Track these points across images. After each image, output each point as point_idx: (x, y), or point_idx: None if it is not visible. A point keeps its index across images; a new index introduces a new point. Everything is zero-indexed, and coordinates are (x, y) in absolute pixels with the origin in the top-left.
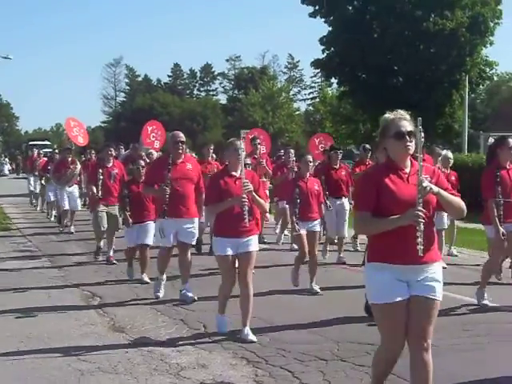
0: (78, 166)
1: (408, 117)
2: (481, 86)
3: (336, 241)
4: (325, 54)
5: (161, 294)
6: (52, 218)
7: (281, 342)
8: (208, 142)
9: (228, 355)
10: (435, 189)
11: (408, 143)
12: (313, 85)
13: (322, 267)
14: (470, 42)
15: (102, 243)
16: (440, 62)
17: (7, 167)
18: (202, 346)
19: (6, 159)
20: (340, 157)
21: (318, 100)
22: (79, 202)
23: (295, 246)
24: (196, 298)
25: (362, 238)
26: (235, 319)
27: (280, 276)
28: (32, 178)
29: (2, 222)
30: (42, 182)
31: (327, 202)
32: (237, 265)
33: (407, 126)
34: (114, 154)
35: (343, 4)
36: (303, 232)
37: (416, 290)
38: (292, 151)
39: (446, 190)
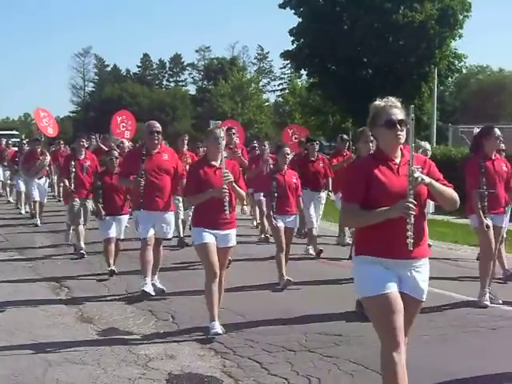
0: (48, 157)
1: (399, 104)
2: (450, 79)
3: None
4: (294, 46)
5: (147, 289)
6: (23, 212)
7: (249, 333)
8: (182, 133)
9: (196, 346)
10: (427, 179)
11: (399, 132)
12: (282, 76)
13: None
14: (439, 34)
15: (82, 243)
16: (409, 54)
17: None
18: (170, 336)
19: None
20: (317, 148)
21: (287, 91)
22: (46, 195)
23: (266, 238)
24: (164, 288)
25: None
26: (203, 311)
27: (249, 268)
28: (0, 169)
29: None
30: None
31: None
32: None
33: (398, 114)
34: (86, 146)
35: None
36: (281, 225)
37: (406, 288)
38: (267, 143)
39: (438, 180)
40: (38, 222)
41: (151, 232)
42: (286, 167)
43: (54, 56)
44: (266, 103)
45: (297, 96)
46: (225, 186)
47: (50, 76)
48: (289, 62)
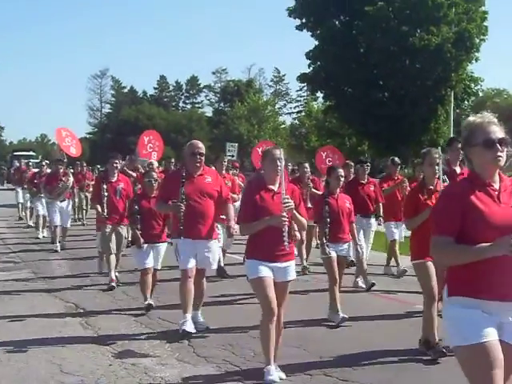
0: (71, 179)
1: (496, 121)
2: (466, 102)
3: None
4: (311, 69)
5: (188, 327)
6: (40, 236)
7: (263, 356)
8: (220, 155)
9: (212, 369)
10: None
11: (499, 153)
12: (298, 99)
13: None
14: (456, 57)
15: (113, 272)
16: (425, 77)
17: None
18: (186, 359)
19: None
20: (368, 170)
21: (303, 114)
22: (70, 218)
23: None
24: (208, 325)
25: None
26: (219, 334)
27: None
28: (20, 190)
29: None
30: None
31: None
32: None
33: (497, 131)
34: (119, 167)
35: (330, 18)
36: (334, 255)
37: (507, 336)
38: (307, 165)
39: None
40: (58, 248)
41: (192, 263)
42: (338, 190)
43: (71, 77)
44: (282, 125)
45: (313, 118)
46: (284, 214)
47: (67, 97)
48: (305, 84)
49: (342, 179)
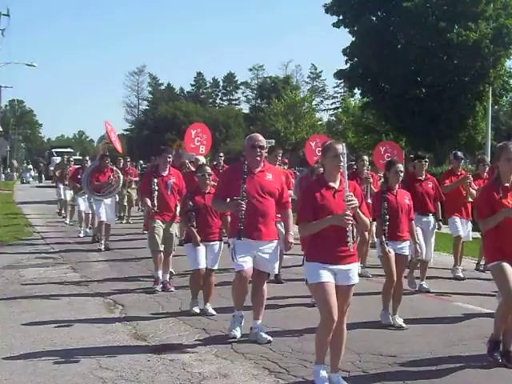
0: (121, 177)
1: None
2: (504, 98)
3: (418, 265)
4: (348, 65)
5: (238, 334)
6: (81, 234)
7: (303, 353)
8: (276, 147)
9: (250, 365)
10: None
11: None
12: (335, 95)
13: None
14: (494, 53)
15: (160, 272)
16: (463, 73)
17: (30, 174)
18: (224, 355)
19: (30, 166)
20: (426, 166)
21: (340, 110)
22: (114, 216)
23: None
24: (271, 338)
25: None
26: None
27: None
28: (62, 187)
29: (25, 228)
30: (71, 191)
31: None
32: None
33: None
34: (171, 162)
35: (367, 15)
36: (393, 253)
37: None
38: (366, 158)
39: None
40: (102, 247)
41: (250, 264)
42: (397, 186)
43: (108, 74)
44: (319, 122)
45: (350, 115)
46: (348, 212)
47: (104, 94)
48: (342, 81)
49: (402, 174)
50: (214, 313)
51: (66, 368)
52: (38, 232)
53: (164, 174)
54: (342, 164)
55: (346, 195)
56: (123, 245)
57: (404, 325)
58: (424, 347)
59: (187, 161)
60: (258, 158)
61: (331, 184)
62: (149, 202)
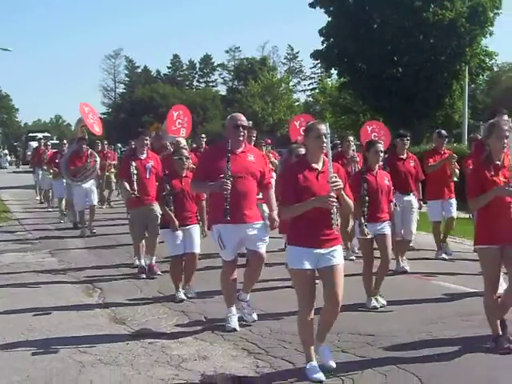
0: (98, 160)
1: None
2: (481, 77)
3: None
4: (324, 45)
5: (236, 326)
6: (62, 220)
7: (282, 333)
8: (251, 129)
9: (229, 346)
10: None
11: None
12: (312, 76)
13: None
14: (470, 32)
15: (143, 261)
16: (439, 52)
17: (7, 159)
18: (203, 337)
19: (6, 151)
20: (408, 145)
21: (317, 91)
22: (96, 196)
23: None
24: (256, 318)
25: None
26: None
27: (277, 267)
28: (40, 172)
29: (2, 213)
30: (50, 176)
31: (393, 200)
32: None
33: None
34: (148, 144)
35: None
36: (371, 235)
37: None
38: (351, 138)
39: None
40: (87, 232)
41: (236, 252)
42: (377, 167)
43: (84, 58)
44: (297, 103)
45: (327, 95)
46: (332, 194)
47: (80, 78)
48: (319, 61)
49: (382, 154)
50: (194, 295)
51: (44, 353)
52: (17, 217)
53: (142, 158)
54: (325, 145)
55: (329, 176)
56: (103, 230)
57: (385, 302)
58: (402, 326)
59: (168, 143)
60: (241, 138)
61: (314, 165)
62: (127, 186)
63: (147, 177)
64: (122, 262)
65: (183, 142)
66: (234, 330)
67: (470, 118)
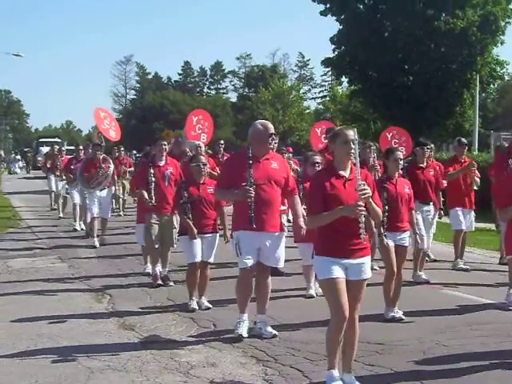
0: (112, 166)
1: None
2: (491, 86)
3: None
4: (335, 53)
5: (244, 332)
6: (77, 227)
7: (290, 341)
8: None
9: (238, 354)
10: None
11: None
12: (323, 83)
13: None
14: (481, 41)
15: (158, 268)
16: (451, 61)
17: (18, 165)
18: (212, 344)
19: (18, 156)
20: (428, 153)
21: (328, 99)
22: (110, 209)
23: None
24: (276, 333)
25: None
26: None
27: (295, 276)
28: (53, 178)
29: (12, 218)
30: (63, 182)
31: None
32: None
33: None
34: (167, 150)
35: (354, 2)
36: (392, 245)
37: None
38: (372, 144)
39: None
40: (97, 243)
41: (254, 260)
42: (397, 175)
43: (95, 64)
44: (307, 110)
45: (337, 103)
46: (360, 203)
47: (91, 84)
48: (329, 69)
49: (401, 162)
50: (210, 306)
51: (53, 358)
52: (27, 223)
53: (161, 164)
54: (353, 151)
55: (357, 184)
56: (116, 239)
57: (404, 317)
58: (412, 335)
59: (188, 149)
60: (272, 147)
61: (341, 172)
62: (145, 195)
63: (165, 184)
64: (132, 268)
65: (203, 147)
66: (241, 336)
67: (480, 127)
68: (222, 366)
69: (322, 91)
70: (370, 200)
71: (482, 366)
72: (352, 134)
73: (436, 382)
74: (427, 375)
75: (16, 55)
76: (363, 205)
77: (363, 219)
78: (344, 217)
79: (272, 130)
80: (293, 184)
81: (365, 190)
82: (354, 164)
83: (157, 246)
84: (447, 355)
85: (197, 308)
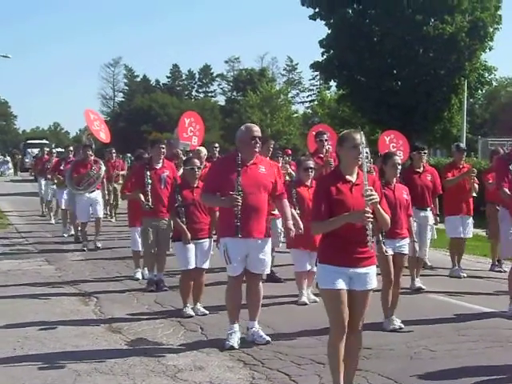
0: (103, 167)
1: None
2: (479, 91)
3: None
4: (324, 57)
5: (235, 344)
6: (65, 234)
7: (278, 346)
8: (268, 140)
9: (225, 358)
10: None
11: None
12: (311, 87)
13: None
14: (470, 46)
15: (153, 273)
16: (439, 66)
17: (9, 167)
18: (199, 348)
19: (8, 158)
20: (425, 158)
21: (316, 103)
22: (102, 208)
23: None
24: (269, 339)
25: None
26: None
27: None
28: (43, 182)
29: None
30: (54, 186)
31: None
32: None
33: None
34: (165, 153)
35: (343, 7)
36: (390, 252)
37: None
38: (367, 150)
39: None
40: (89, 247)
41: (243, 267)
42: (395, 180)
43: (83, 66)
44: (295, 114)
45: (326, 107)
46: (367, 209)
47: (79, 86)
48: (318, 73)
49: (399, 167)
50: (207, 312)
51: (40, 361)
52: (15, 226)
53: (157, 167)
54: (360, 155)
55: (364, 189)
56: (106, 244)
57: (402, 325)
58: (400, 339)
59: (179, 150)
60: (256, 150)
61: (348, 177)
62: (142, 197)
63: (161, 187)
64: (119, 272)
65: (204, 151)
66: (232, 347)
67: (468, 133)
68: (209, 370)
69: (311, 95)
70: (378, 206)
71: (469, 371)
72: (359, 137)
73: None
74: (414, 380)
75: (4, 56)
76: (370, 211)
77: (370, 226)
78: (350, 223)
79: (256, 133)
80: (281, 189)
81: (372, 195)
82: (361, 168)
83: (152, 251)
84: (434, 360)
85: (193, 314)
